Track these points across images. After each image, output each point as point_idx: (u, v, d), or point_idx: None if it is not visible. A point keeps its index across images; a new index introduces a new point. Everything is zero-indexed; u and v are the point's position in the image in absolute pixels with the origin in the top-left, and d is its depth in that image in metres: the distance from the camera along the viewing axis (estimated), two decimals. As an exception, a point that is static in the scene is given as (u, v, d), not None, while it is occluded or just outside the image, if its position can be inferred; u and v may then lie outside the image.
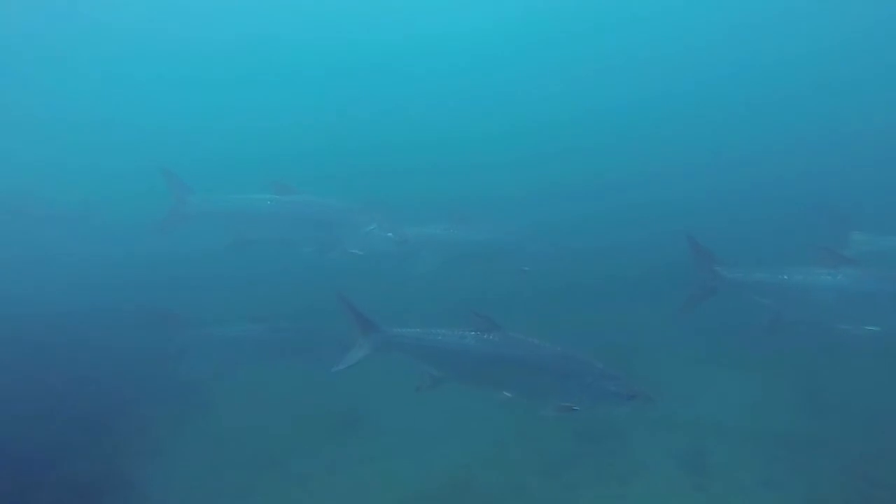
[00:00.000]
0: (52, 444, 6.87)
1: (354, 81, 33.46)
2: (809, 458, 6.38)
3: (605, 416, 6.51)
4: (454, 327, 5.36)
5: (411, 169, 19.94)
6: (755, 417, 7.11)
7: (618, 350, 7.86)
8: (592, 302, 9.71)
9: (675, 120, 24.36)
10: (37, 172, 20.67)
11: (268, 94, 32.36)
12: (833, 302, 6.33)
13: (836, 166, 16.10)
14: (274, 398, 7.88)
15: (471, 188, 16.93)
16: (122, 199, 16.00)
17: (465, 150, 22.38)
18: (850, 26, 27.94)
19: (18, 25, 31.61)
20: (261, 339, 8.27)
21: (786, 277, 6.52)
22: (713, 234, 8.46)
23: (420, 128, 25.73)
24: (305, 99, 32.00)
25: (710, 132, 22.44)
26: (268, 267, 10.24)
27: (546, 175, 18.74)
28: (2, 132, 26.77)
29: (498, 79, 32.22)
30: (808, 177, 15.54)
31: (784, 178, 15.59)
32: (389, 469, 6.59)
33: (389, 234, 8.21)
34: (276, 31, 35.34)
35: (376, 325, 5.52)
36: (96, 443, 7.04)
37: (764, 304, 6.70)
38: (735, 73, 28.01)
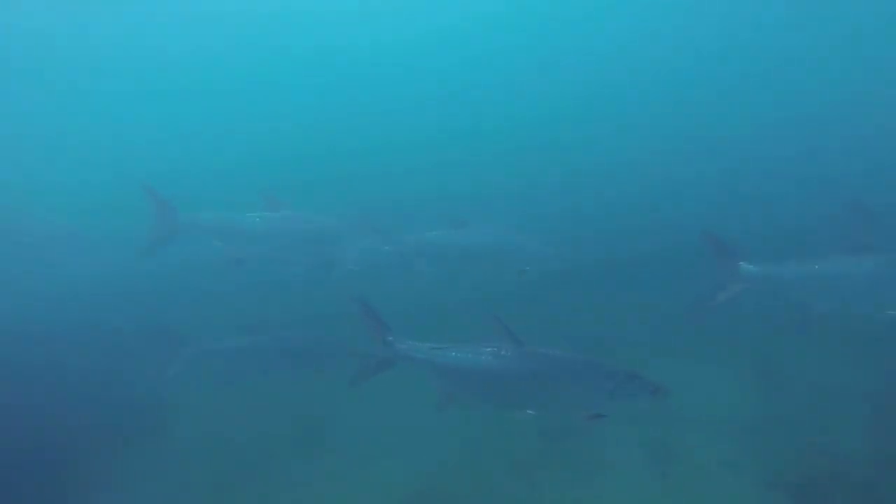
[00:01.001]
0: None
1: (341, 84, 33.66)
2: (769, 438, 6.61)
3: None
4: (472, 342, 5.21)
5: (401, 170, 19.92)
6: (717, 403, 7.27)
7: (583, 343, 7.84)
8: (568, 291, 9.76)
9: (685, 112, 23.88)
10: (21, 191, 20.69)
11: (253, 100, 32.42)
12: (868, 289, 6.20)
13: (871, 161, 15.12)
14: (236, 414, 7.87)
15: (462, 186, 16.92)
16: (108, 214, 15.89)
17: (456, 149, 22.34)
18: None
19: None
20: (263, 350, 8.27)
21: (817, 268, 6.38)
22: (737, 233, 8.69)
23: (408, 128, 25.68)
24: (291, 104, 32.09)
25: (724, 124, 21.98)
26: (265, 276, 10.01)
27: (536, 170, 18.68)
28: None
29: (483, 75, 32.27)
30: (840, 174, 14.59)
31: (812, 176, 14.73)
32: (357, 481, 6.65)
33: (386, 248, 8.08)
34: (259, 38, 35.35)
35: (394, 337, 5.42)
36: (49, 469, 6.96)
37: (792, 298, 6.52)
38: (740, 62, 27.53)
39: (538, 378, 4.93)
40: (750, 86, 24.51)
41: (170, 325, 9.08)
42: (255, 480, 6.82)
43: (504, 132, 23.88)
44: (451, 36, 36.11)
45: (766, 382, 7.61)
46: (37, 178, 22.82)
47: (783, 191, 14.27)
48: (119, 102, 32.61)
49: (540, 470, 6.55)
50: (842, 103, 20.39)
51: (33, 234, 13.59)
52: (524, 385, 4.96)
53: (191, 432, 7.75)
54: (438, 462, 6.68)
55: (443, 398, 5.25)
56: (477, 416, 6.99)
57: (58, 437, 7.34)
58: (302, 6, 34.25)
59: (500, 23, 34.39)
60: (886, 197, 11.28)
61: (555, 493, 6.22)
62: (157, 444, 7.58)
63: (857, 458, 6.12)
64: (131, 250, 11.93)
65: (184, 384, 8.31)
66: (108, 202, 17.93)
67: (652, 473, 6.37)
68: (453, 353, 5.19)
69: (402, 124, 26.29)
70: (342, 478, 6.73)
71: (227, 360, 8.37)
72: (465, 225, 8.98)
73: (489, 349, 5.08)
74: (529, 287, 9.43)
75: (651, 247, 10.86)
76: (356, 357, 6.65)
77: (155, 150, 25.92)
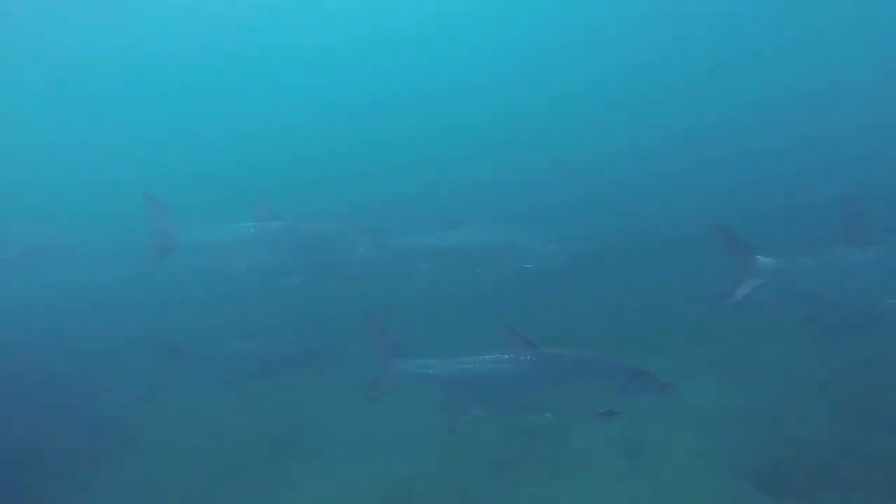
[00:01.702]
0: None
1: (326, 84, 33.61)
2: (737, 428, 6.88)
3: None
4: (484, 351, 5.16)
5: (390, 169, 19.98)
6: (688, 396, 7.17)
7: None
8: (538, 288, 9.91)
9: (668, 107, 23.85)
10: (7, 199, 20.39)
11: (235, 103, 32.30)
12: (876, 280, 6.34)
13: (861, 156, 15.37)
14: (205, 423, 7.96)
15: (450, 183, 17.04)
16: (100, 220, 16.20)
17: (441, 146, 22.41)
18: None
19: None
20: (261, 354, 8.41)
21: (829, 260, 6.47)
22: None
23: (395, 126, 25.67)
24: (275, 104, 32.03)
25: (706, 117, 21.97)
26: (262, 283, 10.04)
27: (521, 165, 18.79)
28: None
29: (467, 73, 32.25)
30: (828, 168, 14.88)
31: (802, 170, 15.00)
32: (334, 485, 6.76)
33: (385, 254, 8.04)
34: (238, 40, 35.14)
35: (407, 355, 5.30)
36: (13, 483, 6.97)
37: (805, 290, 6.66)
38: (726, 55, 27.32)
39: (556, 380, 4.97)
40: (736, 78, 24.57)
41: (166, 332, 9.21)
42: (233, 487, 6.89)
43: (490, 128, 24.03)
44: (437, 32, 35.98)
45: (734, 375, 7.86)
46: (24, 185, 22.70)
47: (769, 181, 14.53)
48: (104, 106, 32.54)
49: (517, 469, 6.70)
50: (832, 93, 20.51)
51: (14, 246, 13.36)
52: (543, 388, 5.00)
53: (169, 440, 7.84)
54: (416, 464, 6.82)
55: (455, 414, 5.23)
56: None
57: (34, 448, 7.45)
58: (289, 8, 34.12)
59: (484, 19, 34.27)
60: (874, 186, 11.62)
61: (533, 490, 6.38)
62: (136, 453, 7.70)
63: (817, 445, 6.43)
64: (124, 258, 12.14)
65: (161, 391, 8.48)
66: (100, 207, 18.07)
67: (624, 467, 6.57)
68: (471, 365, 5.13)
69: (388, 123, 26.37)
70: (320, 482, 6.81)
71: (225, 365, 8.51)
72: (463, 225, 9.06)
73: (507, 356, 5.06)
74: (501, 285, 9.59)
75: (628, 243, 11.13)
76: (354, 359, 6.97)
77: (134, 153, 25.81)
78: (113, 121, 31.13)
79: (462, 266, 8.95)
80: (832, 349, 8.02)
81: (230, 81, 34.62)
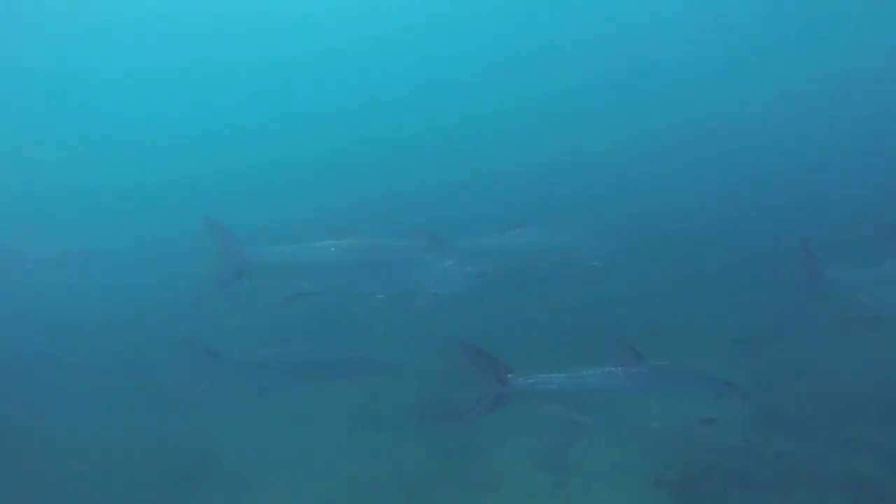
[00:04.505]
0: None
1: (326, 85, 33.83)
2: (654, 438, 6.96)
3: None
4: (596, 366, 5.20)
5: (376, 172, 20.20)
6: None
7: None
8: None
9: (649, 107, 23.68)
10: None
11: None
12: None
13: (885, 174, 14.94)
14: (95, 455, 7.68)
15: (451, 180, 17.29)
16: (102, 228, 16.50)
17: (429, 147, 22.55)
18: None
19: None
20: (296, 362, 8.01)
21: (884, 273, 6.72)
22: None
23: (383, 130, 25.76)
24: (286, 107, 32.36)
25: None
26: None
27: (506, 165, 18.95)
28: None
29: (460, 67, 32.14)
30: (854, 186, 14.61)
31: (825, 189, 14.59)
32: None
33: (468, 269, 7.63)
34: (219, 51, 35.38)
35: (512, 373, 5.20)
36: None
37: (862, 302, 6.84)
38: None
39: (663, 391, 5.13)
40: (741, 76, 24.23)
41: (198, 339, 9.32)
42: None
43: (491, 122, 24.10)
44: (431, 31, 35.99)
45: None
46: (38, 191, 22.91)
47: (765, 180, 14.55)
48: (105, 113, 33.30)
49: (434, 489, 6.70)
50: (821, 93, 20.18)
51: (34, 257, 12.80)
52: (653, 399, 5.14)
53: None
54: (328, 488, 6.75)
55: (570, 431, 5.34)
56: (362, 443, 7.30)
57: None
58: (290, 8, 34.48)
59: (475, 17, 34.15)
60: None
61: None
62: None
63: (730, 451, 6.63)
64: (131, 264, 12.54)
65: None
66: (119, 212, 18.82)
67: (546, 482, 6.62)
68: (587, 379, 5.19)
69: (387, 122, 26.53)
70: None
71: (260, 371, 8.02)
72: (525, 226, 9.13)
73: (619, 369, 5.17)
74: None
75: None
76: (390, 370, 7.10)
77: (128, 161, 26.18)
78: (113, 126, 31.88)
79: (528, 268, 9.05)
80: (745, 357, 8.21)
81: (228, 85, 35.20)
